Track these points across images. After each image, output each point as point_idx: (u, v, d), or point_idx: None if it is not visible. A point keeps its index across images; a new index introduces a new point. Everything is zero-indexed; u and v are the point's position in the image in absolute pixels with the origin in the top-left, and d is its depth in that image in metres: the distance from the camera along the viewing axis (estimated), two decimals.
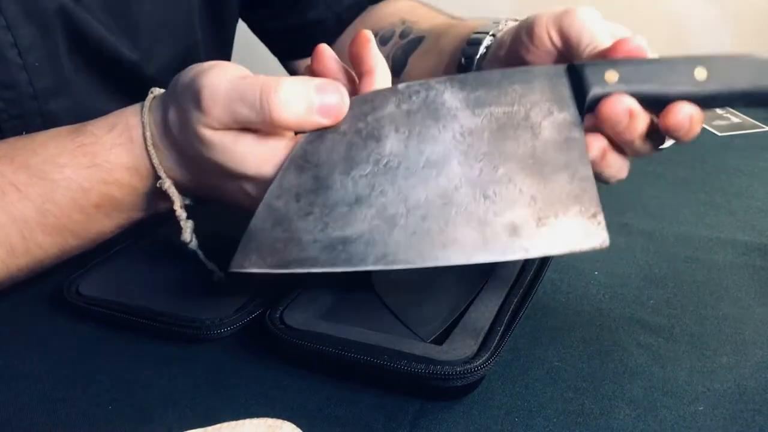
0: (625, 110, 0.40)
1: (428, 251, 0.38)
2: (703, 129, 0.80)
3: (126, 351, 0.43)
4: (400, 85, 0.41)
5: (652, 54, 0.43)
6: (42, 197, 0.44)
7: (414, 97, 0.41)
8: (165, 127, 0.43)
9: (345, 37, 0.73)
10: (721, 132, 0.80)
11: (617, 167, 0.44)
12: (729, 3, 1.25)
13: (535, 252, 0.38)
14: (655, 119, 0.41)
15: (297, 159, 0.40)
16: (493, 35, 0.56)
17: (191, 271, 0.47)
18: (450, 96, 0.41)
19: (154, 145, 0.44)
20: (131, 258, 0.50)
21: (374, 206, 0.39)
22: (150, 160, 0.44)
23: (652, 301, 0.47)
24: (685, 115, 0.40)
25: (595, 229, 0.38)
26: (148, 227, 0.50)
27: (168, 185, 0.44)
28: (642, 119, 0.41)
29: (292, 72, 0.77)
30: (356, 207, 0.39)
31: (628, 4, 1.29)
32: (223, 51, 0.72)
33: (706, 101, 0.41)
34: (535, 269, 0.47)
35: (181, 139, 0.43)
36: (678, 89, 0.40)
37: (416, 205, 0.39)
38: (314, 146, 0.40)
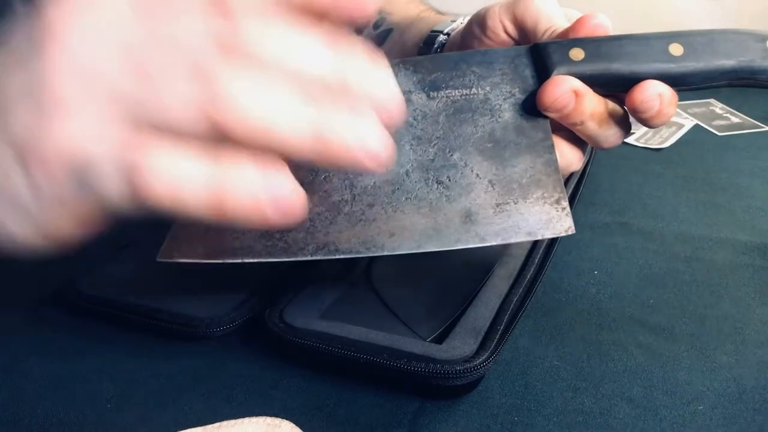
0: (569, 91, 0.37)
1: (373, 239, 0.36)
2: (703, 129, 0.81)
3: (125, 350, 0.43)
4: None
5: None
6: None
7: None
8: None
9: None
10: (721, 132, 0.80)
11: (569, 158, 0.41)
12: (729, 3, 1.25)
13: (492, 239, 0.36)
14: (615, 104, 0.39)
15: None
16: (447, 34, 0.54)
17: (190, 270, 0.47)
18: (403, 78, 0.39)
19: None
20: (131, 257, 0.50)
21: (317, 192, 0.37)
22: None
23: (652, 301, 0.47)
24: (653, 93, 0.37)
25: (558, 215, 0.37)
26: (147, 227, 0.50)
27: None
28: (590, 100, 0.38)
29: None
30: None
31: (628, 4, 1.29)
32: None
33: (682, 79, 0.38)
34: (535, 268, 0.47)
35: None
36: (651, 67, 0.38)
37: (363, 192, 0.37)
38: None
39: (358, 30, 0.65)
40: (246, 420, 0.36)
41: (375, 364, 0.38)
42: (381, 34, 0.63)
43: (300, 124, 0.24)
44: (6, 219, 0.27)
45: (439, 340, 0.40)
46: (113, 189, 0.25)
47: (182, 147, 0.25)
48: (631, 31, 0.39)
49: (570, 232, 0.37)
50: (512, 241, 0.37)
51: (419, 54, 0.54)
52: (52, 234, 0.28)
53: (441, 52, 0.53)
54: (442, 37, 0.54)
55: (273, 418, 0.37)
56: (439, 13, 0.62)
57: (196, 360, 0.42)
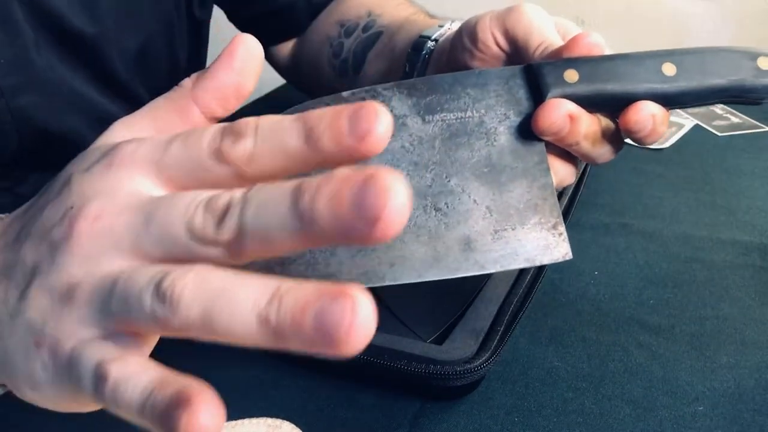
0: (564, 115, 0.37)
1: (374, 270, 0.35)
2: (703, 129, 0.81)
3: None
4: (345, 93, 0.39)
5: (609, 51, 0.40)
6: None
7: None
8: None
9: (318, 23, 0.72)
10: (721, 132, 0.80)
11: (562, 174, 0.40)
12: (729, 3, 1.25)
13: (491, 267, 0.36)
14: (609, 121, 0.39)
15: None
16: (435, 40, 0.52)
17: None
18: (398, 103, 0.38)
19: None
20: None
21: None
22: None
23: (652, 301, 0.47)
24: (646, 114, 0.37)
25: (555, 241, 0.37)
26: None
27: None
28: (585, 121, 0.38)
29: (270, 58, 0.76)
30: None
31: (628, 5, 1.29)
32: (197, 39, 0.68)
33: (675, 99, 0.38)
34: (535, 269, 0.47)
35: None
36: (645, 87, 0.38)
37: None
38: None
39: (348, 32, 0.65)
40: (246, 420, 0.36)
41: (375, 364, 0.38)
42: (370, 37, 0.63)
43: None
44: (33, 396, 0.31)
45: (440, 341, 0.40)
46: (86, 385, 0.26)
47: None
48: (632, 31, 0.39)
49: (567, 258, 0.37)
50: (511, 268, 0.36)
51: (407, 60, 0.53)
52: (70, 406, 0.32)
53: (429, 58, 0.53)
54: (430, 44, 0.52)
55: (273, 418, 0.37)
56: (430, 16, 0.61)
57: (196, 361, 0.42)
